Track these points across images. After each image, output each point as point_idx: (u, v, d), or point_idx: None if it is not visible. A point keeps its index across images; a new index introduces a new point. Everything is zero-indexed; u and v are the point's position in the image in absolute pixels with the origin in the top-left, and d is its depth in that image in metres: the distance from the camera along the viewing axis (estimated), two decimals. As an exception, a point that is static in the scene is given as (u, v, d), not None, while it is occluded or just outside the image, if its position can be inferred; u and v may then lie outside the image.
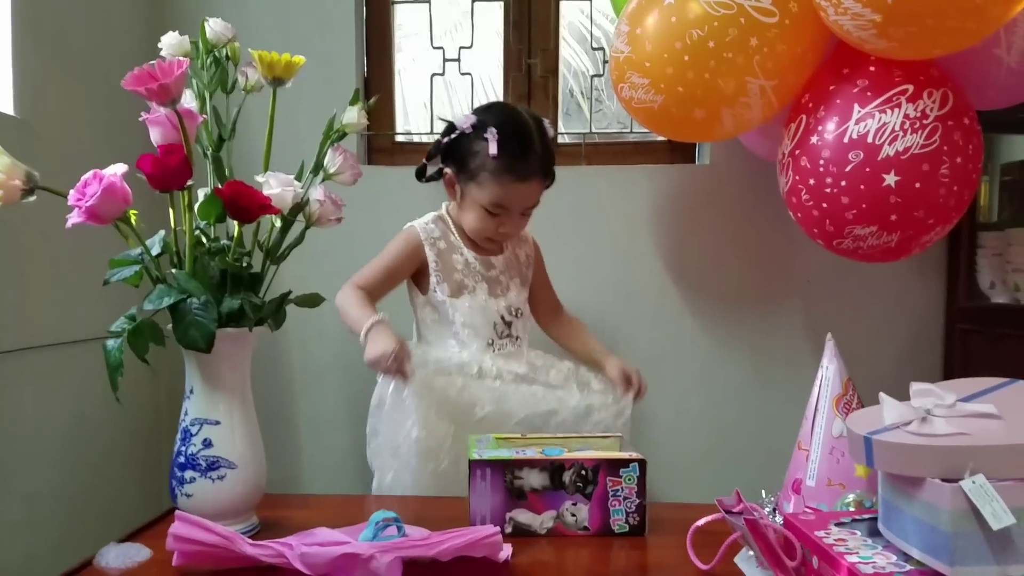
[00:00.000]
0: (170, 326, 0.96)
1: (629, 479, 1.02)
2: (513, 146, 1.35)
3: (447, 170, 1.44)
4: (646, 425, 1.85)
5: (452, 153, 1.42)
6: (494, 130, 1.35)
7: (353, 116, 1.10)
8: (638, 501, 1.02)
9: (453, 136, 1.40)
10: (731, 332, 1.88)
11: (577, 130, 2.05)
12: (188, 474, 0.99)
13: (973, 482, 0.68)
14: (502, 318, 1.46)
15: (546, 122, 1.43)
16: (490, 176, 1.37)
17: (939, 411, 0.77)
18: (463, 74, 1.97)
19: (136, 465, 1.75)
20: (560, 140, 1.98)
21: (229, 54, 1.09)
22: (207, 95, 1.08)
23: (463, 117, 1.41)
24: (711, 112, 1.36)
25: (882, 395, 0.82)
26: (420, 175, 1.48)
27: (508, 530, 1.01)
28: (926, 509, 0.72)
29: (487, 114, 1.41)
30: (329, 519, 0.99)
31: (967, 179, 1.29)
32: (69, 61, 1.55)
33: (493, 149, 1.33)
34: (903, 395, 0.82)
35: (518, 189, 1.37)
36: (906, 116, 1.24)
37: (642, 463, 1.02)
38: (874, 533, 0.81)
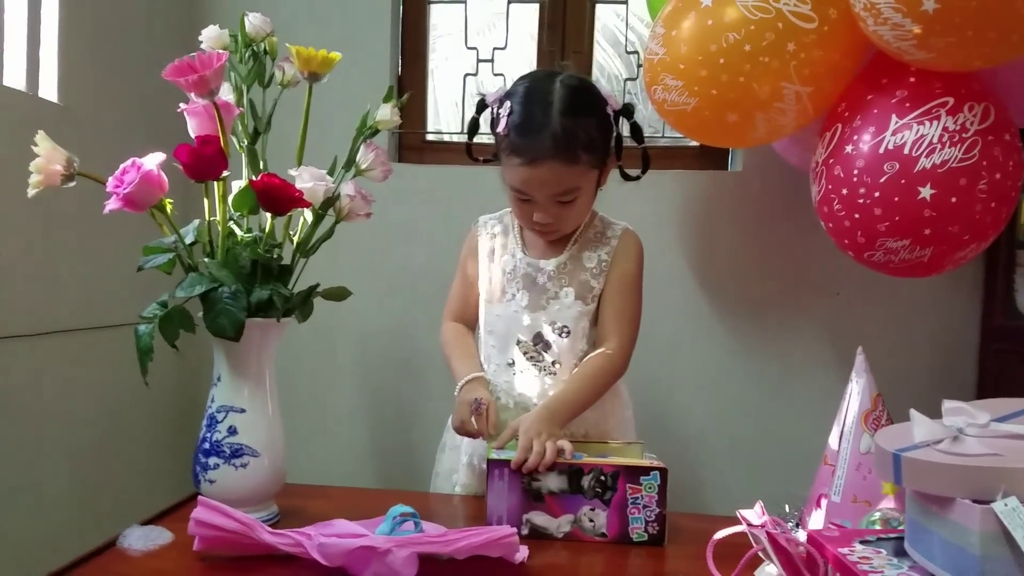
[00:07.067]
0: (200, 314, 0.97)
1: (649, 487, 1.01)
2: (520, 123, 1.17)
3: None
4: (665, 431, 1.84)
5: (493, 130, 1.25)
6: (508, 104, 1.19)
7: (386, 113, 1.11)
8: (658, 510, 1.01)
9: (482, 112, 1.26)
10: (756, 341, 1.87)
11: (609, 133, 2.04)
12: (212, 460, 1.00)
13: (1005, 504, 0.66)
14: (535, 336, 1.25)
15: (603, 93, 1.22)
16: (505, 156, 1.20)
17: (972, 430, 0.75)
18: (496, 75, 1.97)
19: (160, 450, 1.77)
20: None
21: (267, 48, 1.10)
22: (244, 88, 1.09)
23: (495, 91, 1.25)
24: (744, 116, 1.35)
25: (913, 412, 0.80)
26: (469, 152, 1.31)
27: (525, 532, 1.01)
28: (955, 530, 0.70)
29: (516, 83, 1.23)
30: (348, 511, 0.99)
31: (1006, 196, 1.27)
32: (112, 52, 1.58)
33: (502, 126, 1.18)
34: (933, 413, 0.80)
35: (528, 173, 1.16)
36: (945, 129, 1.22)
37: (663, 472, 1.01)
38: (900, 553, 0.79)
